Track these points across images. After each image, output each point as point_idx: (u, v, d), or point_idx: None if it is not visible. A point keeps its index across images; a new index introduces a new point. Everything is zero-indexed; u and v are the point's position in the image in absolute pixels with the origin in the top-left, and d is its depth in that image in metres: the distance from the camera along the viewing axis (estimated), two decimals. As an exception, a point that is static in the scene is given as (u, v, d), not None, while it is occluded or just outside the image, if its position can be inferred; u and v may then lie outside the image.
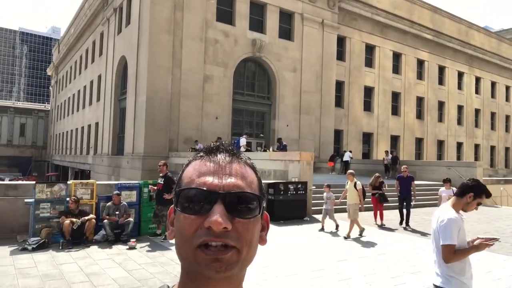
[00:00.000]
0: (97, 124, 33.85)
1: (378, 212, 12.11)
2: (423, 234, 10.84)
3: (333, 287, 6.13)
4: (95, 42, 36.44)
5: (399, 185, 12.22)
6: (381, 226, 11.81)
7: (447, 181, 11.06)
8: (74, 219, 8.55)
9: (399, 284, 6.36)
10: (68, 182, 9.69)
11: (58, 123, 54.63)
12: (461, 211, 3.12)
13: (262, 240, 0.79)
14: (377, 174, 12.50)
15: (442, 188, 11.00)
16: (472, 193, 3.09)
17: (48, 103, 76.93)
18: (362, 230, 10.21)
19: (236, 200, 0.71)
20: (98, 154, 32.15)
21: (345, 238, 9.86)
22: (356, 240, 9.84)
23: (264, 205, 0.77)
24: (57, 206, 9.10)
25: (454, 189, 9.89)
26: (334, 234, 10.65)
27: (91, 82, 36.91)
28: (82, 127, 39.53)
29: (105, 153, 30.31)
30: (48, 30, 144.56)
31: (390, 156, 24.90)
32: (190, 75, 24.01)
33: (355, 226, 10.12)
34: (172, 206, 0.78)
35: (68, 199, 9.09)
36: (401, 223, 11.96)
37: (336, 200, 10.94)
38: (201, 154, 0.79)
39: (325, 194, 11.07)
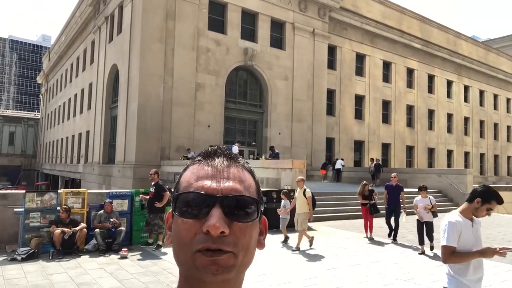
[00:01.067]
0: (88, 132, 33.60)
1: (369, 223, 11.16)
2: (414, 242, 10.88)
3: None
4: (86, 50, 36.33)
5: (387, 195, 11.10)
6: (371, 239, 10.93)
7: (422, 189, 9.67)
8: (65, 229, 8.43)
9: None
10: (59, 191, 9.57)
11: (48, 132, 54.12)
12: (473, 217, 3.19)
13: (260, 244, 0.79)
14: (364, 182, 11.67)
15: (418, 197, 9.65)
16: (480, 198, 3.13)
17: (38, 112, 76.30)
18: (311, 240, 9.59)
19: (233, 204, 0.71)
20: (89, 163, 31.85)
21: (293, 251, 9.15)
22: (303, 253, 9.12)
23: (262, 209, 0.77)
24: (48, 215, 8.97)
25: (431, 197, 9.60)
26: (284, 246, 9.87)
27: (82, 91, 36.71)
28: (73, 136, 39.20)
29: (96, 161, 30.04)
30: (39, 38, 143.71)
31: (374, 163, 24.61)
32: (182, 83, 24.02)
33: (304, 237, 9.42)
34: (170, 210, 0.77)
35: (58, 208, 8.97)
36: (389, 235, 11.10)
37: (279, 210, 10.11)
38: (199, 158, 0.79)
39: (282, 202, 10.42)
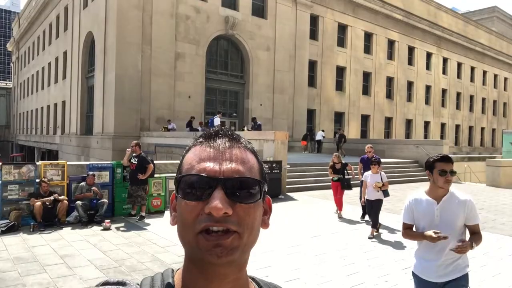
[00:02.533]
0: (64, 102, 32.63)
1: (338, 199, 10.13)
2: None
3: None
4: (59, 16, 34.67)
5: (362, 169, 10.04)
6: (341, 217, 9.96)
7: (374, 164, 8.11)
8: (45, 199, 8.32)
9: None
10: (37, 163, 9.36)
11: (22, 102, 52.27)
12: (446, 196, 3.00)
13: (265, 224, 0.80)
14: (335, 154, 10.48)
15: (367, 173, 8.21)
16: (427, 170, 3.05)
17: (9, 80, 73.25)
18: None
19: (236, 185, 0.71)
20: (66, 134, 31.13)
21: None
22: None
23: (266, 189, 0.77)
24: (26, 188, 8.80)
25: (383, 174, 8.17)
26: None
27: (56, 59, 35.32)
28: (48, 106, 38.02)
29: (73, 132, 29.38)
30: (7, 2, 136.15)
31: (338, 134, 24.09)
32: (160, 52, 23.38)
33: None
34: (174, 192, 0.77)
35: (38, 180, 8.80)
36: (363, 216, 9.78)
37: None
38: (201, 139, 0.79)
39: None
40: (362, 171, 10.13)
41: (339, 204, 10.15)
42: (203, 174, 0.71)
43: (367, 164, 9.83)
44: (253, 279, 0.83)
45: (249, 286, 0.79)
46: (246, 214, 0.71)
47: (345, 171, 10.10)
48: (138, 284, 0.76)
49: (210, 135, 0.78)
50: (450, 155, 3.24)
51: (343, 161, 10.28)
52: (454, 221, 2.97)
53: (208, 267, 0.70)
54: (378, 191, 7.96)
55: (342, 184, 9.95)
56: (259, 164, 0.79)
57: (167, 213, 10.06)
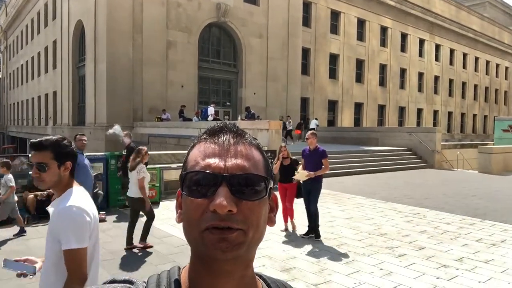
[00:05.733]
0: (55, 93, 32.22)
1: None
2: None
3: (305, 252, 6.30)
4: (47, 4, 33.99)
5: (305, 165, 7.24)
6: (291, 233, 7.50)
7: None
8: (38, 192, 8.25)
9: (366, 246, 6.64)
10: (29, 155, 9.24)
11: (12, 92, 51.52)
12: None
13: (271, 221, 0.79)
14: (282, 144, 8.40)
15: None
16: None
17: (-2, 71, 71.98)
18: None
19: (241, 182, 0.70)
20: (58, 125, 30.82)
21: None
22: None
23: (272, 185, 0.76)
24: (19, 180, 8.70)
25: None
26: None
27: (46, 48, 34.74)
28: (39, 96, 37.52)
29: (65, 123, 29.09)
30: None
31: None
32: (152, 41, 23.08)
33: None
34: (179, 189, 0.76)
35: (30, 172, 8.69)
36: (307, 233, 7.19)
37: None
38: (205, 136, 0.78)
39: None
40: (304, 168, 7.22)
41: (290, 214, 7.64)
42: (208, 171, 0.70)
43: (309, 160, 7.19)
44: (260, 276, 0.83)
45: (256, 284, 0.79)
46: (251, 211, 0.70)
47: (295, 168, 7.44)
48: (144, 282, 0.76)
49: (215, 131, 0.77)
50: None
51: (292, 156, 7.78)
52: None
53: (213, 263, 0.70)
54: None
55: (298, 189, 7.45)
56: (264, 160, 0.77)
57: (162, 204, 10.05)
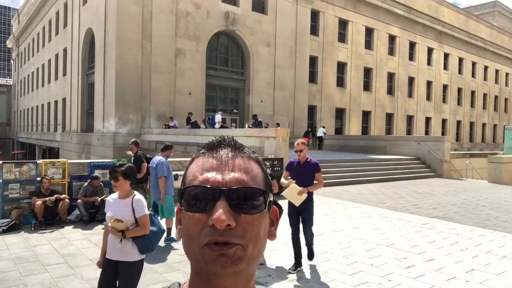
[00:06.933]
0: (64, 99, 32.57)
1: None
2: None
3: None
4: (58, 12, 34.55)
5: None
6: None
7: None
8: (47, 198, 8.29)
9: None
10: (38, 162, 9.32)
11: (22, 99, 52.21)
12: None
13: (271, 235, 0.78)
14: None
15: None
16: None
17: (10, 78, 73.18)
18: None
19: (240, 196, 0.69)
20: (67, 131, 31.10)
21: None
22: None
23: (271, 199, 0.75)
24: (27, 186, 8.77)
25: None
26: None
27: (56, 56, 35.23)
28: (49, 103, 37.97)
29: (74, 130, 29.35)
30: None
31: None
32: (161, 48, 23.28)
33: None
34: (178, 205, 0.76)
35: (38, 179, 8.77)
36: (295, 267, 5.78)
37: None
38: (203, 150, 0.78)
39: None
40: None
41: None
42: (206, 185, 0.69)
43: (299, 173, 5.83)
44: None
45: None
46: (250, 226, 0.69)
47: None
48: None
49: (213, 145, 0.77)
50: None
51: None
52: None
53: (214, 279, 0.69)
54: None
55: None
56: (263, 173, 0.77)
57: (168, 211, 10.03)
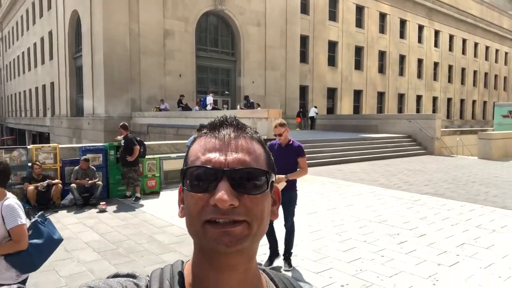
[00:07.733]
0: (52, 84, 32.04)
1: None
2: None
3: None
4: (42, -6, 33.65)
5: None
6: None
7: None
8: (38, 184, 8.25)
9: (367, 233, 6.65)
10: (28, 147, 9.22)
11: (9, 84, 51.26)
12: None
13: (274, 215, 0.79)
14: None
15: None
16: None
17: (-5, 62, 71.45)
18: None
19: (242, 176, 0.69)
20: (56, 116, 30.72)
21: None
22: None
23: (274, 179, 0.76)
24: (19, 172, 8.69)
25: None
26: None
27: (42, 39, 34.45)
28: (36, 88, 37.35)
29: (63, 114, 28.99)
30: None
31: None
32: (149, 30, 22.87)
33: None
34: (181, 184, 0.76)
35: (30, 164, 8.69)
36: (270, 260, 5.26)
37: None
38: (205, 130, 0.77)
39: None
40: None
41: None
42: (208, 166, 0.69)
43: (280, 157, 4.73)
44: (263, 270, 0.83)
45: (260, 277, 0.79)
46: (254, 204, 0.70)
47: None
48: (148, 276, 0.76)
49: (215, 125, 0.76)
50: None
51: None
52: None
53: (217, 257, 0.70)
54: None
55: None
56: (266, 154, 0.76)
57: (162, 193, 10.06)
